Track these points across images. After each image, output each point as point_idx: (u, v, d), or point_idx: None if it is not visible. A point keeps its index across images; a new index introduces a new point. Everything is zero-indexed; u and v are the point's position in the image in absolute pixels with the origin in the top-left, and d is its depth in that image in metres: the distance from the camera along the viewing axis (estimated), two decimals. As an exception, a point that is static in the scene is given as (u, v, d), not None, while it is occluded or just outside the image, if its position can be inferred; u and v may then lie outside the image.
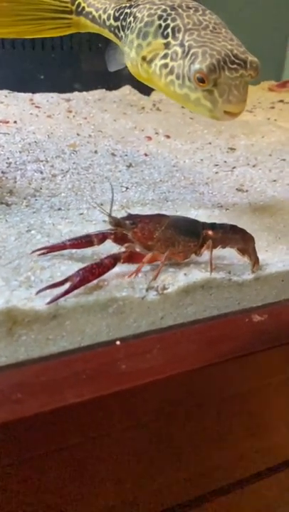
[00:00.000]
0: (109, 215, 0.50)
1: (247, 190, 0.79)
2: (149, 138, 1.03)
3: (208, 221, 0.57)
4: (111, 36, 0.67)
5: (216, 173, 0.86)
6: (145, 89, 1.33)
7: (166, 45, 0.55)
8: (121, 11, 0.63)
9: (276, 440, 0.59)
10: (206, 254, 0.53)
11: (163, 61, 0.56)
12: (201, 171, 0.87)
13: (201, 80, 0.52)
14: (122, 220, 0.50)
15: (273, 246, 0.61)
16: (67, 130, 1.01)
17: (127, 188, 0.78)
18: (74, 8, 0.68)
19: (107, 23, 0.65)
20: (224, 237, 0.53)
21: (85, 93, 1.26)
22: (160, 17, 0.56)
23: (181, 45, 0.54)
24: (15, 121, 1.01)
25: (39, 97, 1.20)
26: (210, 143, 1.00)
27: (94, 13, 0.67)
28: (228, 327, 0.50)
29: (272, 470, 0.61)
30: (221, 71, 0.51)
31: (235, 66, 0.51)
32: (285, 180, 0.83)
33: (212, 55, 0.51)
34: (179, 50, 0.54)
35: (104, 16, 0.65)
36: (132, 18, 0.61)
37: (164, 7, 0.57)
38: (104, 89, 1.29)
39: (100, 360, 0.43)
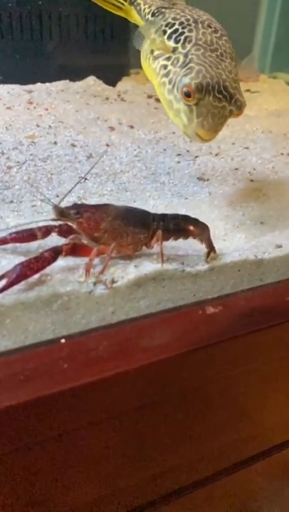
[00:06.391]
0: (53, 205, 0.47)
1: (208, 179, 0.77)
2: (112, 128, 1.00)
3: (166, 211, 0.55)
4: None
5: (178, 162, 0.84)
6: (110, 80, 1.30)
7: (174, 50, 0.57)
8: (159, 9, 0.67)
9: (230, 437, 0.58)
10: (158, 246, 0.51)
11: (165, 62, 0.58)
12: (163, 160, 0.85)
13: (188, 95, 0.53)
14: (66, 210, 0.47)
15: (231, 235, 0.59)
16: (26, 121, 0.97)
17: (85, 179, 0.76)
18: None
19: (146, 17, 0.69)
20: (176, 228, 0.51)
21: (48, 84, 1.22)
22: (181, 23, 0.59)
23: (186, 55, 0.55)
24: (-29, 114, 0.97)
25: (0, 89, 1.16)
26: (174, 132, 0.98)
27: (142, 5, 0.71)
28: (181, 320, 0.47)
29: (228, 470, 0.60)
30: (206, 95, 0.52)
31: (220, 96, 0.52)
32: (246, 169, 0.81)
33: (205, 76, 0.52)
34: (182, 58, 0.56)
35: (147, 11, 0.70)
36: (161, 16, 0.64)
37: (188, 17, 0.59)
38: (67, 80, 1.25)
39: (41, 359, 0.40)
